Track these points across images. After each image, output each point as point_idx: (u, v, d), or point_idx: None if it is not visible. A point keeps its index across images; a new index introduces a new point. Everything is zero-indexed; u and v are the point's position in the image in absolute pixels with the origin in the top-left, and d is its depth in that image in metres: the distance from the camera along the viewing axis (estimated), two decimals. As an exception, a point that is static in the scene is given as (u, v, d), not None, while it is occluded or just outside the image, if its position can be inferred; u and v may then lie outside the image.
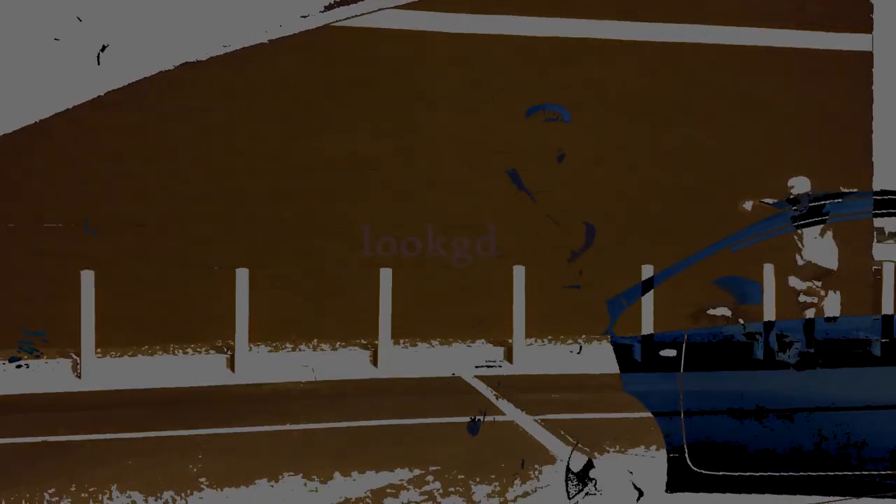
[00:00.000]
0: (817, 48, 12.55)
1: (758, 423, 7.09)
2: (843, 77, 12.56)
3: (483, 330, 11.29)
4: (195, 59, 10.85)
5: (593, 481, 6.97)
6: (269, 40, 11.04)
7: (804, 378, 6.97)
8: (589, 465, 7.03)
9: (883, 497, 7.11)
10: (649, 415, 6.46)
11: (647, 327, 7.13)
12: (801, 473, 6.89)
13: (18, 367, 9.63)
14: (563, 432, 7.53)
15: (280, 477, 6.70)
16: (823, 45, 12.57)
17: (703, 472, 7.11)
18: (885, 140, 12.67)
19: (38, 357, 9.87)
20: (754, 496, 6.98)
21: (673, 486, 7.04)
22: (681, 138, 12.21)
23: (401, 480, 6.59)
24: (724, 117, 12.35)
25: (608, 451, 7.24)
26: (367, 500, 6.22)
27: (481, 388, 9.45)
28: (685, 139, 12.21)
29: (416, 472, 6.78)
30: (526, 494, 6.49)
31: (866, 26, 12.59)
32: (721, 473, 7.18)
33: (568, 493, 6.94)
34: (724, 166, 12.29)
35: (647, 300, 7.24)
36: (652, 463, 7.12)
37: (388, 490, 6.46)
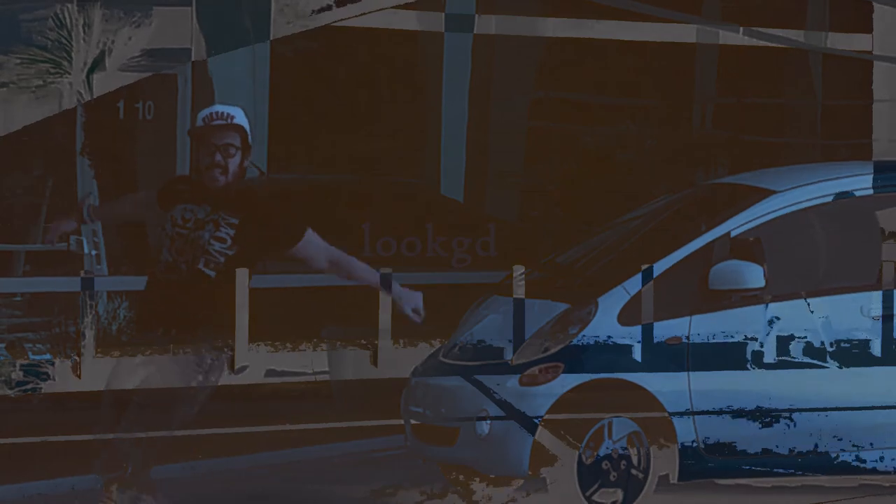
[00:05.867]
0: (817, 48, 12.53)
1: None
2: (843, 77, 12.53)
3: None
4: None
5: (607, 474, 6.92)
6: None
7: None
8: (601, 459, 7.00)
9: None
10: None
11: (648, 317, 7.16)
12: None
13: (25, 391, 9.43)
14: (563, 432, 7.48)
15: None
16: (823, 44, 12.55)
17: (715, 460, 7.09)
18: (885, 140, 12.66)
19: (45, 380, 9.69)
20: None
21: (683, 475, 7.03)
22: (679, 137, 12.19)
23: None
24: (723, 117, 12.34)
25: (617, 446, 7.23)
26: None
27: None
28: (683, 138, 12.20)
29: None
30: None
31: (866, 26, 12.57)
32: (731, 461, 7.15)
33: (580, 487, 6.90)
34: (723, 166, 12.26)
35: (648, 290, 7.26)
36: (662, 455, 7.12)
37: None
